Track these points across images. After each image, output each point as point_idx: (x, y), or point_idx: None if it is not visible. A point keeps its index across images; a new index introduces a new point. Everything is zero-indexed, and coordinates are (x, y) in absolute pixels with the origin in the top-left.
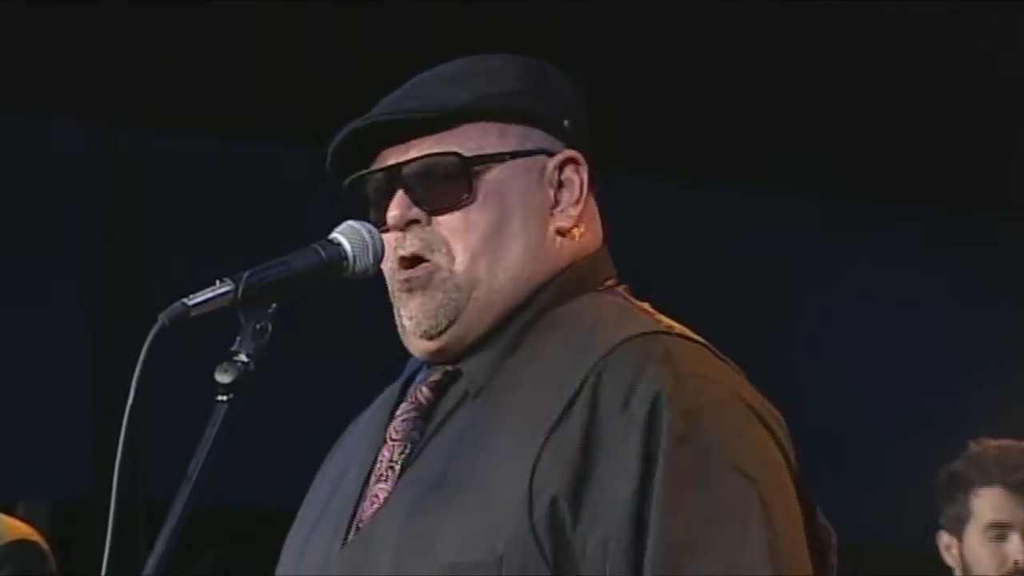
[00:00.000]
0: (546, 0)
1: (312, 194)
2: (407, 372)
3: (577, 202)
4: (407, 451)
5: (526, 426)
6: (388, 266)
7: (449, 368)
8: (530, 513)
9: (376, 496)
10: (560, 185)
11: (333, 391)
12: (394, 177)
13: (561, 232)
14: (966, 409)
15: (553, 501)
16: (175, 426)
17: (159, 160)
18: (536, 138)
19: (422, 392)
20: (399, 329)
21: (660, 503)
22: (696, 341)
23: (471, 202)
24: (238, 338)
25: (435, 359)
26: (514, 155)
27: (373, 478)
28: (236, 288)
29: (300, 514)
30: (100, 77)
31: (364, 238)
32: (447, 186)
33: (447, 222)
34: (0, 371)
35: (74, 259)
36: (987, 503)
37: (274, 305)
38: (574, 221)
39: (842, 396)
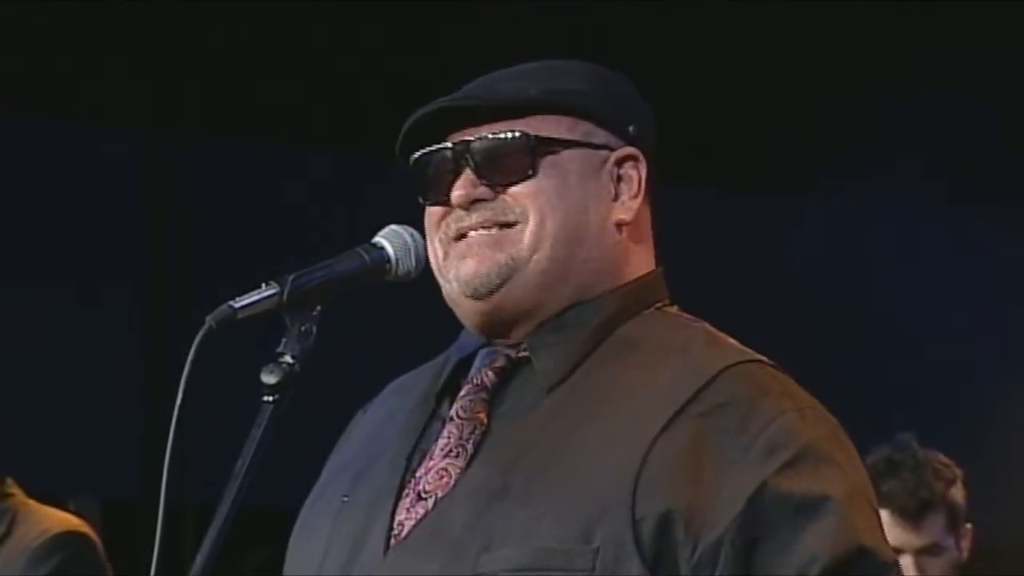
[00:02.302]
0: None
1: (355, 196)
2: (454, 355)
3: (635, 196)
4: (477, 431)
5: (627, 428)
6: (437, 243)
7: (512, 354)
8: (633, 511)
9: (445, 470)
10: (619, 179)
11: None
12: (461, 154)
13: (620, 226)
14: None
15: (665, 507)
16: (223, 426)
17: (205, 162)
18: (601, 136)
19: (487, 376)
20: (447, 298)
21: (778, 518)
22: (785, 372)
23: (534, 176)
24: (284, 340)
25: (483, 326)
26: (579, 144)
27: (438, 452)
28: (282, 291)
29: (321, 490)
30: (146, 81)
31: (407, 242)
32: (512, 162)
33: (515, 192)
34: (52, 370)
35: (125, 260)
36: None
37: (319, 307)
38: (632, 215)
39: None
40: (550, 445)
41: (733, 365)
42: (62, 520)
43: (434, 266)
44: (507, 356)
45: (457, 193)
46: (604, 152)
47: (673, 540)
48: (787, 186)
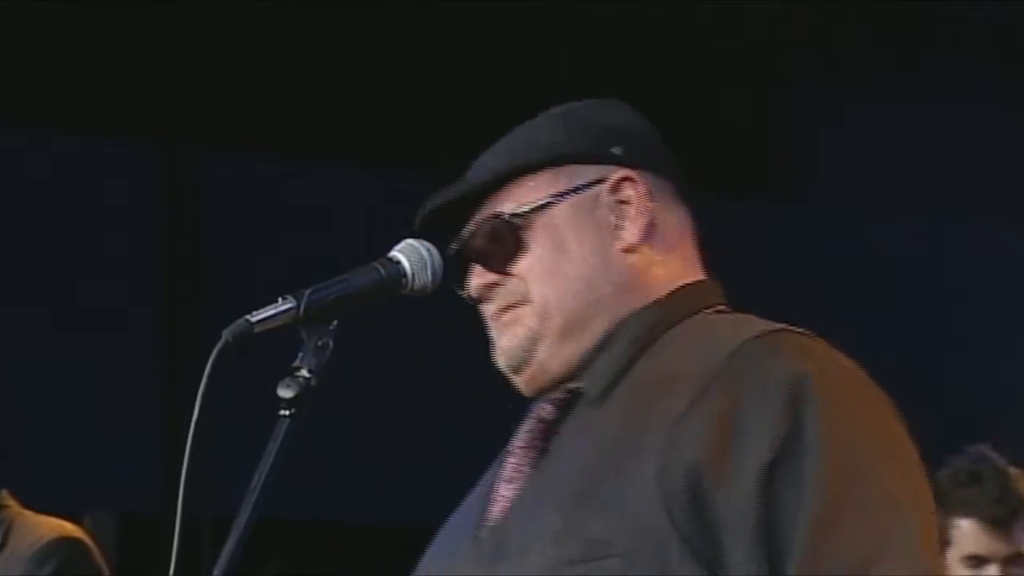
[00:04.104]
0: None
1: (373, 211)
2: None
3: (637, 215)
4: (533, 456)
5: (655, 419)
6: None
7: (570, 386)
8: (664, 496)
9: (503, 496)
10: (620, 203)
11: (395, 409)
12: (463, 255)
13: (629, 250)
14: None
15: (691, 478)
16: (239, 440)
17: (220, 180)
18: (587, 173)
19: (544, 408)
20: None
21: (804, 479)
22: (819, 339)
23: (527, 250)
24: (300, 354)
25: (533, 393)
26: (563, 195)
27: (499, 483)
28: (298, 305)
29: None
30: (160, 98)
31: (423, 256)
32: (501, 245)
33: (517, 270)
34: (68, 387)
35: (140, 276)
36: (964, 534)
37: (335, 322)
38: (638, 236)
39: None
40: (584, 458)
41: (756, 336)
42: (56, 527)
43: None
44: (565, 388)
45: (472, 289)
46: (594, 188)
47: (706, 510)
48: (787, 192)
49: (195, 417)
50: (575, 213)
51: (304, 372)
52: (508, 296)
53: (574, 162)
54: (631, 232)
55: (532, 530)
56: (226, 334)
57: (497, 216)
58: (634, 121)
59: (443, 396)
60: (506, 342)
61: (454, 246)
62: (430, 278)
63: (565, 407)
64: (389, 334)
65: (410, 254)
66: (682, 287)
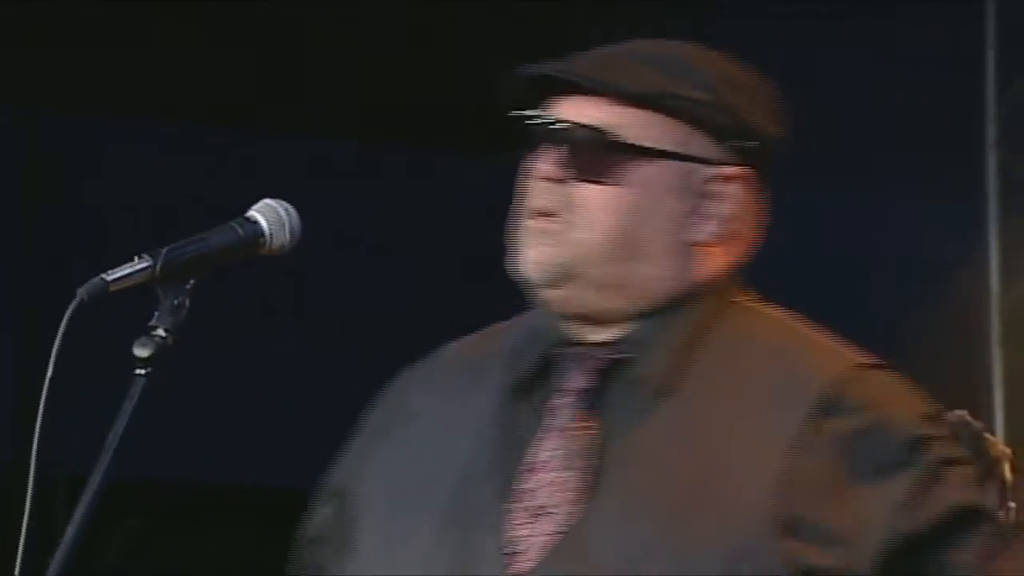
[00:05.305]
0: None
1: (237, 172)
2: (526, 345)
3: (726, 218)
4: (588, 440)
5: (756, 445)
6: (523, 208)
7: (603, 355)
8: (774, 533)
9: (563, 483)
10: (704, 196)
11: (251, 371)
12: (555, 133)
13: (694, 244)
14: None
15: (805, 524)
16: (94, 400)
17: (80, 138)
18: (699, 145)
19: (580, 379)
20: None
21: (935, 531)
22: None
23: (615, 184)
24: (156, 313)
25: (566, 314)
26: (670, 155)
27: (548, 464)
28: (155, 264)
29: (383, 478)
30: (24, 62)
31: (280, 216)
32: (598, 162)
33: (589, 192)
34: None
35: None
36: None
37: (192, 281)
38: (709, 238)
39: None
40: (679, 463)
41: (849, 370)
42: None
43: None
44: (598, 358)
45: (541, 166)
46: (694, 165)
47: (822, 567)
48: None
49: (49, 375)
50: (669, 179)
51: (160, 331)
52: (565, 206)
53: (706, 132)
54: (703, 231)
55: (635, 547)
56: (81, 292)
57: (614, 136)
58: (779, 114)
59: (291, 355)
60: (536, 257)
61: (547, 121)
62: (288, 237)
63: (607, 375)
64: (235, 293)
65: (268, 213)
66: (715, 278)
